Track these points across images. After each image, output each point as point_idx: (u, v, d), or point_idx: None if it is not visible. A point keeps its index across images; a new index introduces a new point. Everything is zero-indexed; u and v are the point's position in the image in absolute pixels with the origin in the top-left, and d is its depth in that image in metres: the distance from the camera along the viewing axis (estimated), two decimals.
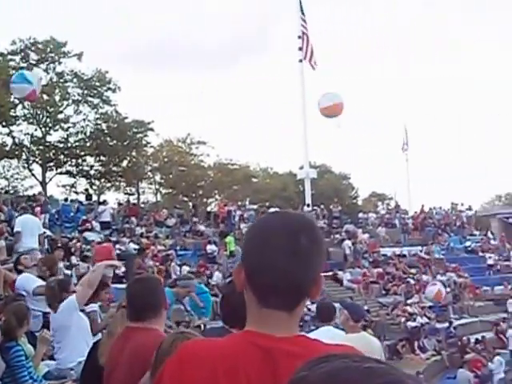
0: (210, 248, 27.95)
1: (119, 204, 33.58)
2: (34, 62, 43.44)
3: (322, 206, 39.37)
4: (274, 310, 1.76)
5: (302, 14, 40.20)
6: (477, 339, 25.80)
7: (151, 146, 51.87)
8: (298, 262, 1.74)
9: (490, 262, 38.02)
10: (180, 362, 1.77)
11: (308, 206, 38.88)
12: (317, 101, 33.36)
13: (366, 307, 25.51)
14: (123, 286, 18.23)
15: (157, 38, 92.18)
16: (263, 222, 1.88)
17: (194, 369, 1.72)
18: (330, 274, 29.76)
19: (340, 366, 1.19)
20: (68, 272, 19.23)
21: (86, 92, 45.48)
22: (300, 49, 39.99)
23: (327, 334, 6.90)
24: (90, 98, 45.82)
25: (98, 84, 45.53)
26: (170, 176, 55.35)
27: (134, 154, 49.16)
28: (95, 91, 45.62)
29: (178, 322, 9.46)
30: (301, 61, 40.07)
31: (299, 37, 39.92)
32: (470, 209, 47.50)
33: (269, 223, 1.83)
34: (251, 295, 1.79)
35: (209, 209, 50.11)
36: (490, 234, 44.76)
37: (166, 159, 54.72)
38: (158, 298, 4.03)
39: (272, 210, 35.87)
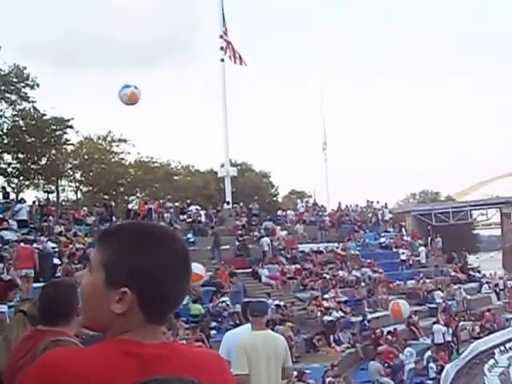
0: None
1: (33, 202, 33.17)
2: None
3: (242, 204, 39.85)
4: (156, 326, 1.80)
5: (223, 17, 40.53)
6: (389, 331, 26.55)
7: (71, 144, 51.24)
8: (187, 286, 1.85)
9: (403, 257, 39.28)
10: (38, 379, 1.68)
11: (228, 203, 39.28)
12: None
13: (282, 302, 26.09)
14: (39, 284, 18.22)
15: (79, 36, 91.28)
16: (166, 246, 1.81)
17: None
18: (249, 270, 30.21)
19: None
20: None
21: (2, 88, 44.38)
22: (221, 48, 40.29)
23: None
24: (7, 94, 44.61)
25: (15, 80, 44.42)
26: (91, 174, 54.69)
27: (53, 151, 48.44)
28: (12, 87, 44.51)
29: None
30: (222, 60, 40.35)
31: (221, 36, 40.20)
32: (385, 207, 48.77)
33: (174, 249, 1.81)
34: (138, 313, 1.76)
35: (130, 206, 49.99)
36: (403, 231, 46.07)
37: (86, 157, 54.01)
38: (69, 304, 3.92)
39: (193, 207, 36.35)
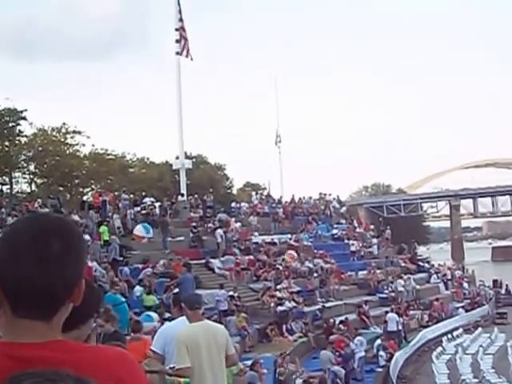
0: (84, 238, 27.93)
1: None
2: None
3: (196, 196, 40.01)
4: (28, 320, 1.64)
5: (180, 11, 40.58)
6: (341, 321, 27.06)
7: (24, 135, 50.92)
8: (47, 269, 1.63)
9: (353, 248, 40.09)
10: None
11: (182, 195, 39.41)
12: None
13: (236, 293, 26.45)
14: None
15: (33, 27, 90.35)
16: (12, 227, 1.74)
17: None
18: (203, 261, 30.44)
19: None
20: None
21: None
22: (177, 41, 40.33)
23: (183, 324, 7.27)
24: None
25: None
26: (45, 166, 54.27)
27: (6, 143, 48.11)
28: None
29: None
30: (178, 53, 40.38)
31: (176, 29, 40.25)
32: (337, 199, 49.45)
33: (17, 228, 1.71)
34: (6, 305, 1.66)
35: (85, 198, 49.83)
36: (355, 223, 46.73)
37: (40, 148, 53.52)
38: None
39: (148, 199, 36.41)
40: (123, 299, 16.78)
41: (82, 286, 1.74)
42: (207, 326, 7.11)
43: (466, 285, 44.94)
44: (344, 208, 50.06)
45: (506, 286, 48.99)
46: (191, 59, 40.88)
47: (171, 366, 6.94)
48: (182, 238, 32.20)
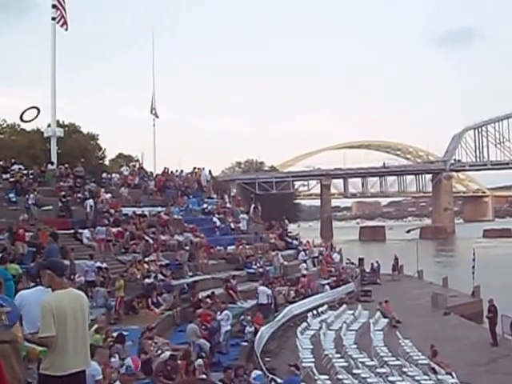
0: None
1: None
2: None
3: (67, 165, 39.18)
4: None
5: None
6: (208, 295, 27.31)
7: None
8: None
9: (222, 223, 40.50)
10: None
11: (52, 164, 38.61)
12: None
13: (105, 265, 26.22)
14: None
15: None
16: None
17: None
18: (72, 231, 29.91)
19: None
20: None
21: None
22: (53, 6, 39.44)
23: (36, 294, 7.16)
24: None
25: None
26: None
27: None
28: None
29: None
30: (53, 19, 39.51)
31: None
32: (210, 173, 49.74)
33: None
34: None
35: None
36: (226, 198, 47.10)
37: None
38: None
39: (16, 166, 35.39)
40: (10, 276, 15.91)
41: None
42: (73, 294, 6.93)
43: (333, 261, 46.36)
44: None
45: (371, 264, 50.91)
46: (66, 29, 40.10)
47: (31, 331, 6.72)
48: (50, 208, 31.50)
